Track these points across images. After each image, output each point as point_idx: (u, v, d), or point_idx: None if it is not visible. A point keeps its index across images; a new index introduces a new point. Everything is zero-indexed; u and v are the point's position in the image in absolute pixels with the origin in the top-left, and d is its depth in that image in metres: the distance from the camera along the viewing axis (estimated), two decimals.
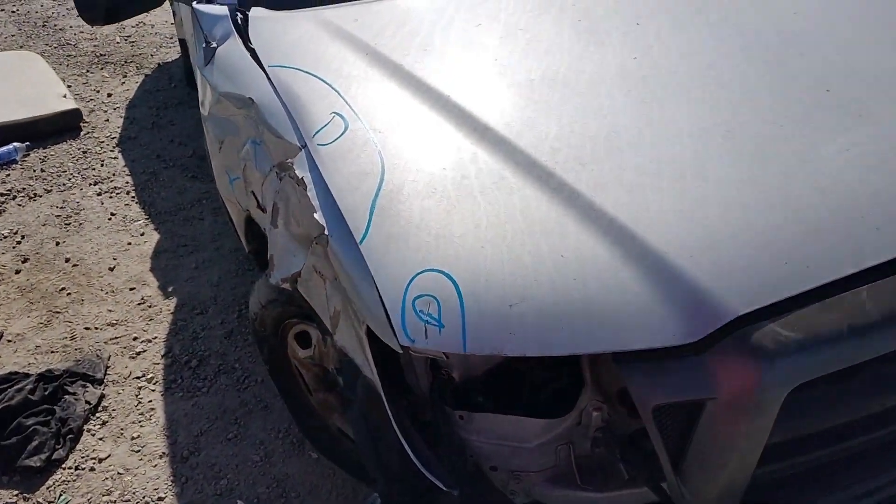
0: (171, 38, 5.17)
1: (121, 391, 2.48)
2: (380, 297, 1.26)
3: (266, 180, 1.71)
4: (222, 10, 1.96)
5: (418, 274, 1.24)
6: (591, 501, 1.47)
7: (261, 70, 1.75)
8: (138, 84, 4.62)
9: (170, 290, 2.92)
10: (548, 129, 1.44)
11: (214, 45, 1.91)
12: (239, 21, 1.93)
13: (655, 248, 1.22)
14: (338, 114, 1.55)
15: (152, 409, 2.41)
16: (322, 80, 1.64)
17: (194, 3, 2.03)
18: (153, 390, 2.48)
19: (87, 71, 4.80)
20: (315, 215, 1.42)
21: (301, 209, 1.54)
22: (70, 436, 2.29)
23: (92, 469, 2.23)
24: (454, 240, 1.27)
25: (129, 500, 2.13)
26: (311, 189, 1.46)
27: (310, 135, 1.53)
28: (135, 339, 2.69)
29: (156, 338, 2.69)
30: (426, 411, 1.53)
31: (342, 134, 1.50)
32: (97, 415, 2.40)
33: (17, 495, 2.16)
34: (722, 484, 1.20)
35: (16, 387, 2.38)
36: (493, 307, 1.19)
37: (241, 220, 2.10)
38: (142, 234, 3.25)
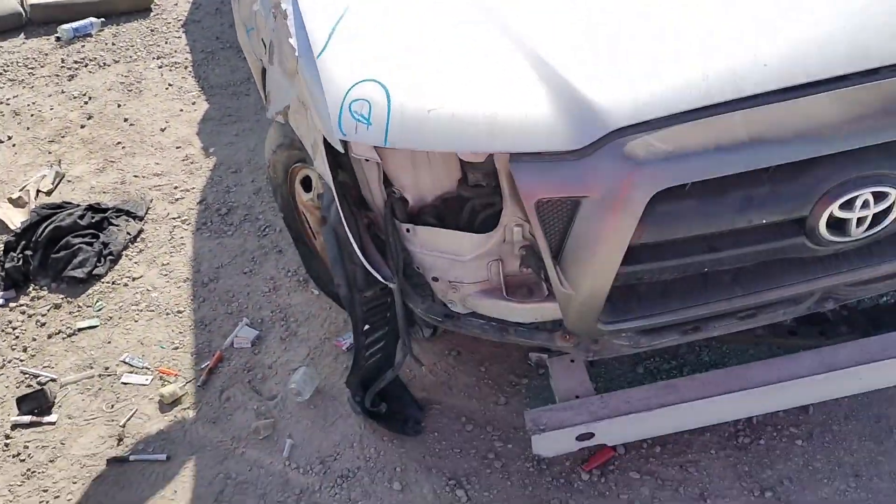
0: None
1: (158, 228, 2.82)
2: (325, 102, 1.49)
3: (267, 23, 1.94)
4: None
5: (358, 83, 1.46)
6: (513, 310, 1.70)
7: None
8: None
9: (211, 151, 3.23)
10: None
11: None
12: None
13: (562, 74, 1.40)
14: None
15: (183, 244, 2.74)
16: None
17: None
18: (185, 229, 2.81)
19: None
20: (290, 40, 1.64)
21: (286, 42, 1.76)
22: (110, 257, 2.64)
23: (125, 285, 2.58)
24: (395, 58, 1.48)
25: (153, 311, 2.48)
26: (290, 19, 1.67)
27: None
28: (175, 187, 3.02)
29: (193, 188, 3.01)
30: (382, 228, 1.76)
31: None
32: (135, 244, 2.74)
33: (62, 299, 2.54)
34: (592, 274, 1.40)
35: (67, 212, 2.74)
36: (413, 111, 1.41)
37: (258, 70, 2.33)
38: (193, 104, 3.56)
